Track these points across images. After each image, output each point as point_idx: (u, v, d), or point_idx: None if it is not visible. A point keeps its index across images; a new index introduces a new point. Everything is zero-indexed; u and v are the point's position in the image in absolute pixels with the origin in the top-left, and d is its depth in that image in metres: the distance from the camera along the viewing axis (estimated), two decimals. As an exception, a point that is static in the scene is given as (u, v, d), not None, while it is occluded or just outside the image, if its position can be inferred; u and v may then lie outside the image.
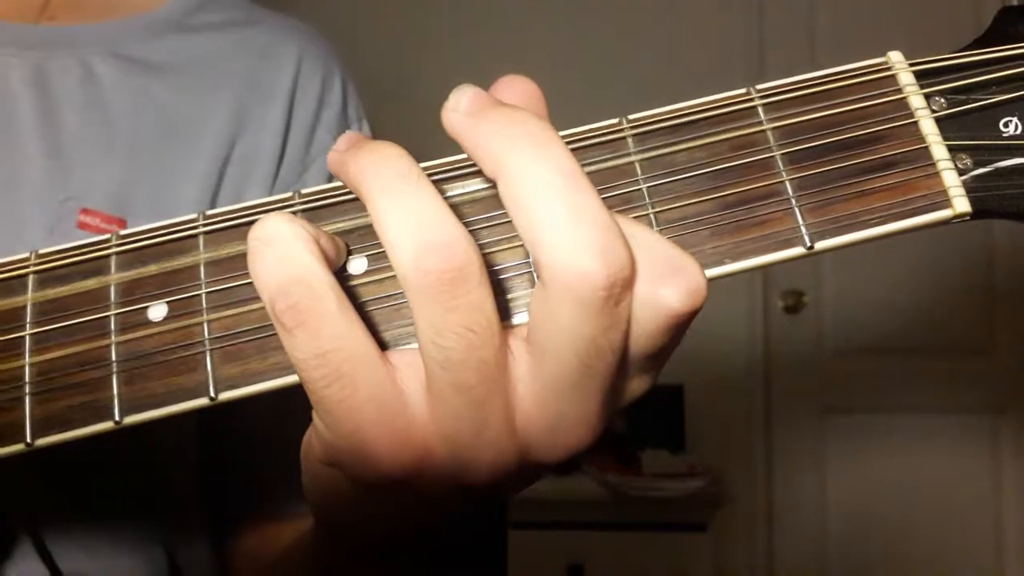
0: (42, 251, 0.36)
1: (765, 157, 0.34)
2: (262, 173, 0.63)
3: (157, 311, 0.34)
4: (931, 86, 0.35)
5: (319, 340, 0.29)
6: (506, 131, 0.29)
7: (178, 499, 0.63)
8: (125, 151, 0.58)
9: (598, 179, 0.33)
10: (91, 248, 0.35)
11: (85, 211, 0.56)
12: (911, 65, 0.35)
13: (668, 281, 0.29)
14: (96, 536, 0.57)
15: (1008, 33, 0.36)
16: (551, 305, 0.28)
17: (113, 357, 0.33)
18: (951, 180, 0.33)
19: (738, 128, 0.34)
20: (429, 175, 0.30)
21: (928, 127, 0.34)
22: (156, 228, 0.35)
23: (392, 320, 0.33)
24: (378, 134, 0.71)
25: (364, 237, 0.34)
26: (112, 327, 0.34)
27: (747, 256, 0.32)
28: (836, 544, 2.43)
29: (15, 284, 0.35)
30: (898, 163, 0.33)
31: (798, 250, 0.32)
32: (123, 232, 0.36)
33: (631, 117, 0.35)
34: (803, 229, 0.33)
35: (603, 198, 0.29)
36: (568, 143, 0.33)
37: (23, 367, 0.34)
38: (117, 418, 0.33)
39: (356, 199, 0.34)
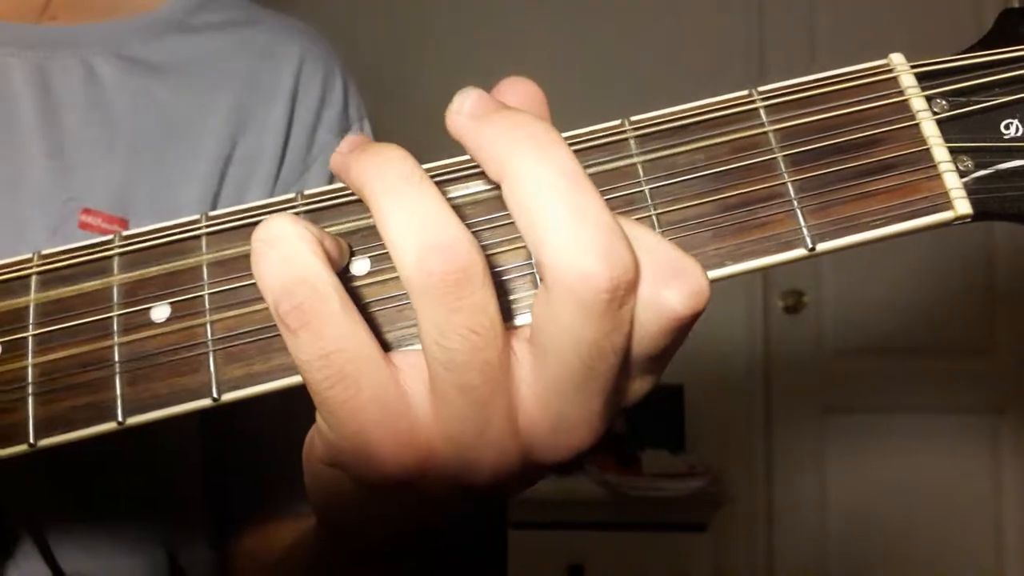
0: (45, 252, 0.36)
1: (767, 159, 0.34)
2: (263, 173, 0.63)
3: (160, 312, 0.34)
4: (933, 88, 0.35)
5: (323, 341, 0.29)
6: (509, 134, 0.29)
7: (180, 499, 0.63)
8: (126, 151, 0.58)
9: (600, 180, 0.33)
10: (94, 249, 0.35)
11: (87, 211, 0.56)
12: (913, 67, 0.35)
13: (671, 283, 0.29)
14: (98, 536, 0.57)
15: (1010, 35, 0.36)
16: (554, 307, 0.29)
17: (116, 358, 0.33)
18: (952, 182, 0.33)
19: (740, 130, 0.34)
20: (431, 176, 0.31)
21: (930, 129, 0.34)
22: (159, 229, 0.36)
23: (395, 321, 0.33)
24: (379, 133, 0.71)
25: (367, 238, 0.34)
26: (115, 328, 0.34)
27: (749, 258, 0.33)
28: (836, 544, 2.43)
29: (18, 285, 0.35)
30: (899, 165, 0.33)
31: (800, 252, 0.33)
32: (126, 233, 0.36)
33: (633, 119, 0.35)
34: (805, 231, 0.33)
35: (606, 199, 0.29)
36: (571, 144, 0.33)
37: (26, 368, 0.34)
38: (120, 419, 0.33)
39: (359, 200, 0.34)
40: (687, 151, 0.34)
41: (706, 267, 0.32)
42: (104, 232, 0.55)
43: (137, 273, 0.35)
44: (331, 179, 0.64)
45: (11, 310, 0.35)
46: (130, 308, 0.34)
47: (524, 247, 0.33)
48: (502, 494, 0.33)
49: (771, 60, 2.51)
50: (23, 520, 0.53)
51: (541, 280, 0.29)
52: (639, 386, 0.33)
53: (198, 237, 0.35)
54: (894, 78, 0.35)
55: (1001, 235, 2.38)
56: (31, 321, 0.34)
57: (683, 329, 0.30)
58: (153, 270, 0.35)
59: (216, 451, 0.64)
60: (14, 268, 0.36)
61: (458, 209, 0.32)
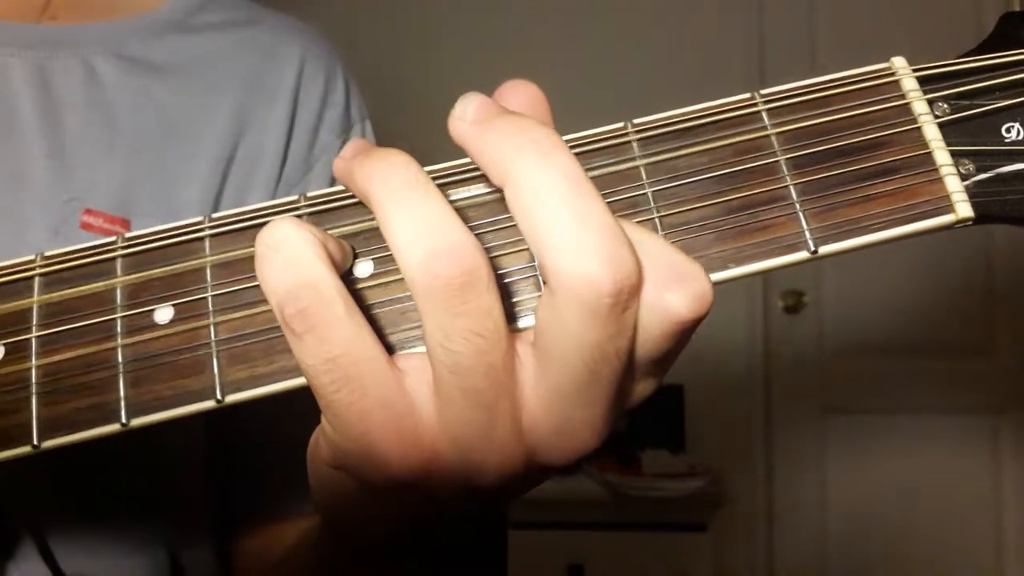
0: (48, 253, 0.36)
1: (769, 162, 0.34)
2: (265, 173, 0.63)
3: (163, 314, 0.34)
4: (934, 92, 0.35)
5: (328, 345, 0.29)
6: (512, 139, 0.29)
7: (182, 500, 0.63)
8: (127, 151, 0.58)
9: (603, 183, 0.33)
10: (97, 250, 0.36)
11: (88, 211, 0.56)
12: (914, 71, 0.35)
13: (674, 287, 0.29)
14: (99, 537, 0.57)
15: (1010, 38, 0.36)
16: (558, 311, 0.29)
17: (119, 359, 0.33)
18: (954, 185, 0.33)
19: (743, 133, 0.34)
20: (433, 179, 0.31)
21: (931, 132, 0.34)
22: (162, 230, 0.36)
23: (398, 323, 0.33)
24: (380, 134, 0.72)
25: (370, 240, 0.34)
26: (118, 329, 0.34)
27: (751, 260, 0.33)
28: (836, 544, 2.43)
29: (21, 286, 0.35)
30: (901, 168, 0.33)
31: (802, 255, 0.33)
32: (129, 234, 0.36)
33: (636, 121, 0.35)
34: (807, 234, 0.33)
35: (608, 202, 0.30)
36: (573, 147, 0.33)
37: (29, 369, 0.34)
38: (124, 420, 0.33)
39: (361, 202, 0.34)
40: (690, 154, 0.34)
41: (709, 270, 0.32)
42: (106, 232, 0.55)
43: (140, 275, 0.35)
44: (333, 180, 0.64)
45: (14, 312, 0.35)
46: (133, 310, 0.34)
47: (527, 249, 0.33)
48: (506, 496, 0.34)
49: (771, 62, 2.51)
50: (24, 520, 0.53)
51: (545, 284, 0.29)
52: (642, 389, 0.33)
53: (201, 239, 0.35)
54: (896, 81, 0.35)
55: (1001, 236, 2.38)
56: (34, 323, 0.34)
57: (686, 333, 0.30)
58: (156, 272, 0.35)
59: (220, 451, 0.64)
60: (17, 269, 0.36)
61: (460, 212, 0.32)
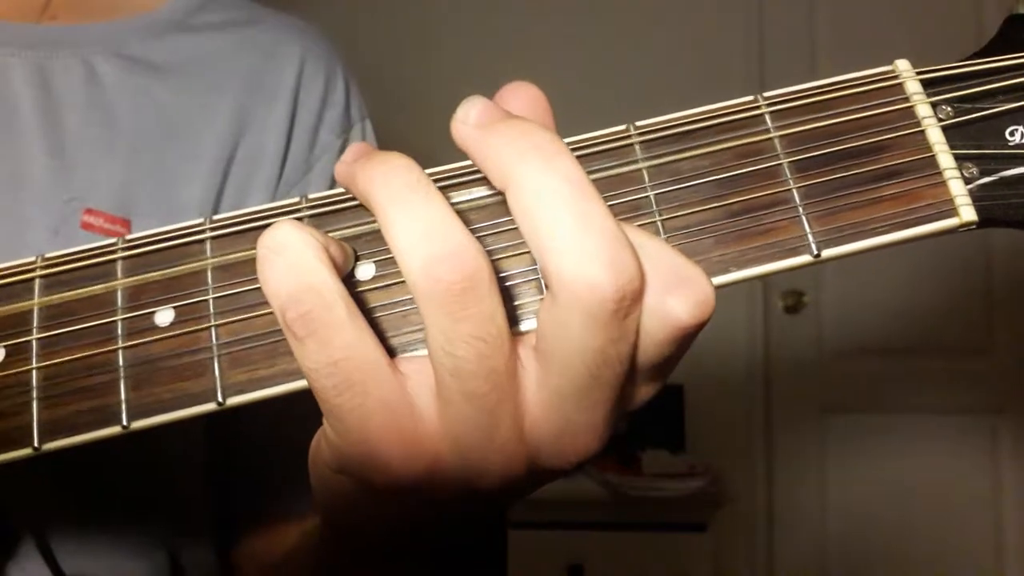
0: (48, 255, 0.36)
1: (772, 165, 0.34)
2: (265, 173, 0.63)
3: (164, 316, 0.34)
4: (938, 95, 0.35)
5: (330, 349, 0.29)
6: (515, 143, 0.29)
7: (183, 501, 0.63)
8: (128, 151, 0.58)
9: (606, 186, 0.33)
10: (97, 252, 0.35)
11: (89, 211, 0.56)
12: (918, 73, 0.35)
13: (676, 292, 0.29)
14: (99, 537, 0.57)
15: (1014, 41, 0.36)
16: (560, 315, 0.29)
17: (120, 362, 0.33)
18: (957, 189, 0.33)
19: (745, 136, 0.34)
20: (435, 182, 0.31)
21: (935, 136, 0.34)
22: (162, 232, 0.36)
23: (400, 327, 0.33)
24: (380, 134, 0.72)
25: (371, 243, 0.34)
26: (119, 332, 0.34)
27: (753, 264, 0.33)
28: (836, 544, 2.43)
29: (21, 288, 0.35)
30: (905, 172, 0.33)
31: (805, 258, 0.33)
32: (129, 236, 0.36)
33: (638, 124, 0.35)
34: (810, 237, 0.33)
35: (610, 205, 0.29)
36: (575, 150, 0.33)
37: (30, 372, 0.34)
38: (125, 423, 0.33)
39: (363, 204, 0.34)
40: (692, 156, 0.34)
41: (711, 273, 0.32)
42: (106, 232, 0.55)
43: (141, 277, 0.35)
44: (334, 180, 0.63)
45: (15, 314, 0.35)
46: (134, 312, 0.34)
47: (529, 252, 0.33)
48: (507, 499, 0.34)
49: (771, 63, 2.51)
50: (24, 520, 0.53)
51: (547, 289, 0.29)
52: (643, 392, 0.33)
53: (202, 241, 0.35)
54: (899, 84, 0.35)
55: (1000, 236, 2.38)
56: (35, 325, 0.34)
57: (688, 338, 0.30)
58: (157, 274, 0.35)
59: (220, 452, 0.64)
60: (17, 271, 0.36)
61: (462, 214, 0.32)
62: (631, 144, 0.34)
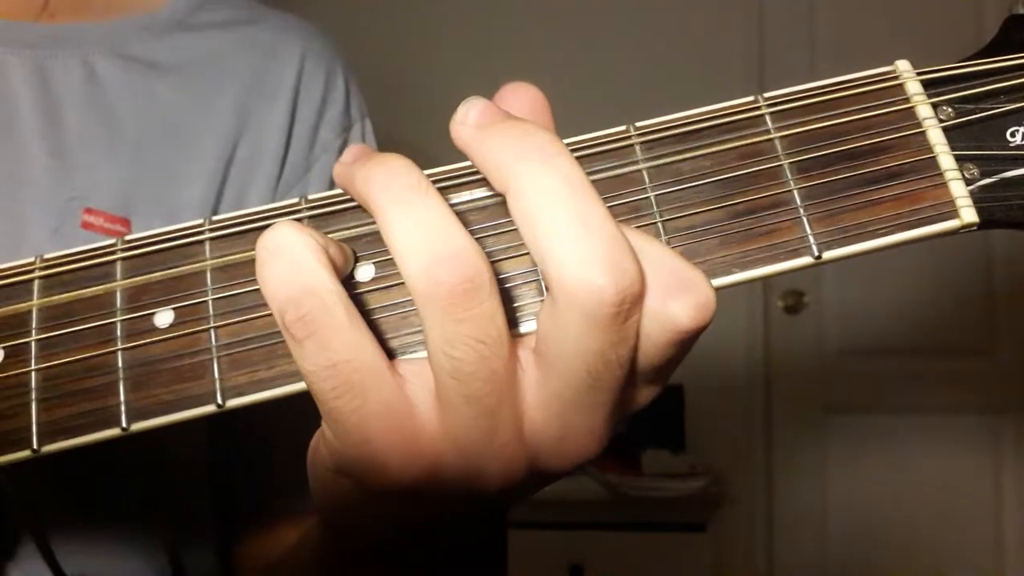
0: (47, 256, 0.36)
1: (773, 166, 0.34)
2: (266, 172, 0.63)
3: (163, 317, 0.34)
4: (939, 95, 0.34)
5: (329, 351, 0.29)
6: (514, 144, 0.29)
7: (183, 501, 0.63)
8: (128, 151, 0.58)
9: (606, 187, 0.33)
10: (96, 253, 0.35)
11: (89, 211, 0.56)
12: (919, 74, 0.35)
13: (677, 296, 0.29)
14: (100, 537, 0.57)
15: (1015, 42, 0.36)
16: (560, 318, 0.29)
17: (120, 364, 0.33)
18: (958, 190, 0.33)
19: (746, 136, 0.34)
20: (434, 183, 0.30)
21: (936, 137, 0.34)
22: (162, 233, 0.35)
23: (399, 328, 0.33)
24: (380, 133, 0.71)
25: (371, 244, 0.34)
26: (118, 333, 0.34)
27: (755, 265, 0.32)
28: (836, 544, 2.43)
29: (20, 289, 0.35)
30: (906, 173, 0.33)
31: (806, 260, 0.32)
32: (129, 237, 0.36)
33: (639, 124, 0.34)
34: (811, 238, 0.33)
35: (611, 207, 0.29)
36: (575, 151, 0.33)
37: (29, 373, 0.34)
38: (124, 425, 0.33)
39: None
40: (693, 157, 0.34)
41: (712, 275, 0.32)
42: (106, 232, 0.55)
43: (140, 278, 0.35)
44: (333, 179, 0.63)
45: (14, 315, 0.35)
46: (133, 313, 0.34)
47: (528, 254, 0.33)
48: (507, 501, 0.33)
49: (771, 63, 2.50)
50: (25, 521, 0.52)
51: (548, 292, 0.29)
52: (643, 395, 0.33)
53: (201, 242, 0.35)
54: (900, 85, 0.35)
55: (1001, 236, 2.37)
56: (34, 326, 0.34)
57: (688, 341, 0.30)
58: (156, 275, 0.35)
59: (221, 452, 0.64)
60: (16, 272, 0.36)
61: (461, 216, 0.32)
62: (631, 145, 0.34)
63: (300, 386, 0.32)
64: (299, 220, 0.34)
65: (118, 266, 0.35)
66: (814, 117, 0.34)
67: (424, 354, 0.30)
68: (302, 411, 0.35)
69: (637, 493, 2.12)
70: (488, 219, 0.34)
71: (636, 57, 2.51)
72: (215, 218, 0.35)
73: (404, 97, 2.31)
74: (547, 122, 0.34)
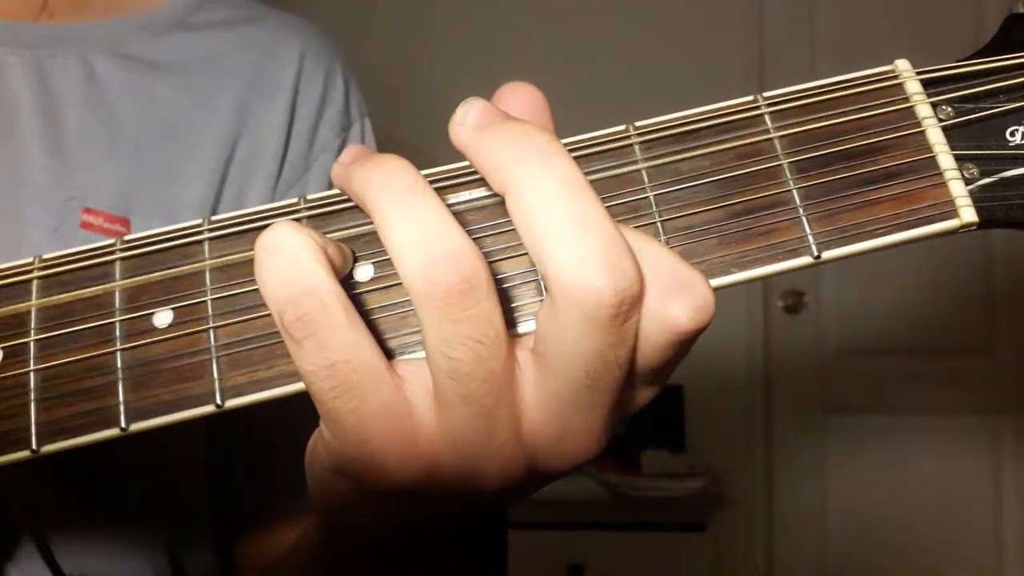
0: (46, 256, 0.36)
1: (772, 166, 0.33)
2: (265, 172, 0.63)
3: (162, 317, 0.34)
4: (938, 95, 0.34)
5: (327, 351, 0.29)
6: (513, 145, 0.29)
7: (183, 501, 0.63)
8: (128, 150, 0.58)
9: (605, 187, 0.33)
10: (95, 253, 0.35)
11: (88, 211, 0.56)
12: (918, 73, 0.35)
13: (676, 297, 0.29)
14: (99, 537, 0.57)
15: (1015, 41, 0.35)
16: (558, 319, 0.29)
17: (119, 364, 0.33)
18: (958, 190, 0.33)
19: (745, 136, 0.34)
20: (432, 183, 0.30)
21: (935, 136, 0.34)
22: (161, 233, 0.35)
23: (398, 328, 0.33)
24: (379, 132, 0.71)
25: (370, 244, 0.34)
26: (117, 333, 0.34)
27: (754, 265, 0.32)
28: (836, 544, 2.43)
29: (19, 289, 0.35)
30: (905, 173, 0.33)
31: (805, 259, 0.32)
32: (128, 237, 0.36)
33: (638, 124, 0.34)
34: (810, 238, 0.32)
35: (609, 206, 0.29)
36: (574, 151, 0.33)
37: (28, 374, 0.34)
38: (123, 425, 0.33)
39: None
40: (692, 157, 0.34)
41: (711, 275, 0.32)
42: (106, 232, 0.55)
43: (139, 278, 0.35)
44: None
45: (12, 315, 0.35)
46: (132, 313, 0.34)
47: (527, 254, 0.33)
48: (506, 501, 0.33)
49: (771, 63, 2.50)
50: (24, 521, 0.52)
51: (547, 293, 0.29)
52: (642, 396, 0.33)
53: (200, 242, 0.35)
54: (899, 84, 0.35)
55: (1001, 235, 2.37)
56: (33, 326, 0.34)
57: (688, 342, 0.30)
58: (155, 275, 0.35)
59: (220, 452, 0.64)
60: (15, 272, 0.36)
61: (460, 215, 0.32)
62: (630, 144, 0.34)
63: (299, 386, 0.32)
64: (298, 220, 0.34)
65: (117, 266, 0.35)
66: (813, 117, 0.34)
67: (423, 354, 0.30)
68: (301, 411, 0.35)
69: (637, 493, 2.12)
70: (486, 219, 0.34)
71: (636, 57, 2.51)
72: (214, 218, 0.35)
73: (404, 97, 2.31)
74: (546, 122, 0.34)
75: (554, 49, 2.50)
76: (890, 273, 2.33)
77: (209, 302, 0.34)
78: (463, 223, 0.29)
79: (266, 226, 0.30)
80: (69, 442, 0.33)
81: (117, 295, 0.34)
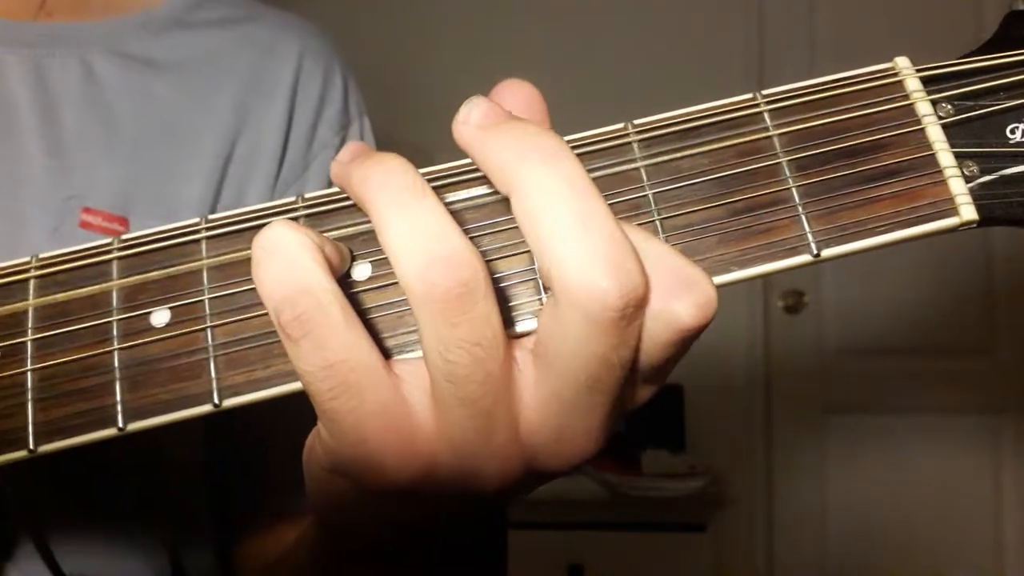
0: (43, 255, 0.36)
1: (772, 163, 0.33)
2: (264, 171, 0.63)
3: (160, 317, 0.34)
4: (938, 92, 0.34)
5: (325, 351, 0.29)
6: (517, 145, 0.29)
7: (182, 501, 0.63)
8: (127, 150, 0.58)
9: (604, 185, 0.33)
10: (92, 252, 0.35)
11: (87, 210, 0.56)
12: (918, 71, 0.35)
13: (680, 296, 0.29)
14: (98, 537, 0.57)
15: (1015, 38, 0.35)
16: (561, 320, 0.28)
17: (116, 363, 0.33)
18: (958, 188, 0.33)
19: (744, 134, 0.34)
20: (431, 181, 0.30)
21: (935, 134, 0.33)
22: (158, 232, 0.35)
23: (396, 328, 0.33)
24: (378, 131, 0.71)
25: (368, 243, 0.34)
26: (115, 333, 0.34)
27: (754, 263, 0.32)
28: (836, 544, 2.43)
29: (16, 288, 0.35)
30: (905, 170, 0.33)
31: (805, 258, 0.32)
32: (125, 236, 0.35)
33: (637, 122, 0.34)
34: (810, 236, 0.32)
35: (609, 204, 0.29)
36: (574, 148, 0.33)
37: (25, 373, 0.34)
38: (120, 425, 0.33)
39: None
40: (691, 155, 0.34)
41: (711, 273, 0.32)
42: (105, 231, 0.55)
43: (137, 277, 0.34)
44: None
45: (9, 315, 0.35)
46: (130, 313, 0.34)
47: (525, 253, 0.33)
48: (504, 501, 0.33)
49: (771, 62, 2.50)
50: (23, 521, 0.52)
51: (550, 294, 0.29)
52: (642, 394, 0.33)
53: (198, 241, 0.35)
54: (899, 82, 0.35)
55: (1001, 235, 2.37)
56: (30, 326, 0.34)
57: (690, 340, 0.30)
58: (153, 274, 0.34)
59: (218, 452, 0.64)
60: (12, 271, 0.35)
61: (458, 214, 0.32)
62: (629, 143, 0.34)
63: (296, 386, 0.32)
64: (295, 219, 0.34)
65: (114, 265, 0.35)
66: (813, 114, 0.34)
67: (420, 353, 0.30)
68: (298, 411, 0.35)
69: (636, 493, 2.12)
70: (485, 218, 0.33)
71: (636, 57, 2.51)
72: (211, 217, 0.35)
73: (404, 97, 2.31)
74: (543, 119, 0.34)
75: (554, 49, 2.50)
76: (890, 272, 2.33)
77: (206, 301, 0.34)
78: (461, 221, 0.29)
79: (264, 225, 0.30)
80: (66, 442, 0.33)
81: (114, 294, 0.34)
